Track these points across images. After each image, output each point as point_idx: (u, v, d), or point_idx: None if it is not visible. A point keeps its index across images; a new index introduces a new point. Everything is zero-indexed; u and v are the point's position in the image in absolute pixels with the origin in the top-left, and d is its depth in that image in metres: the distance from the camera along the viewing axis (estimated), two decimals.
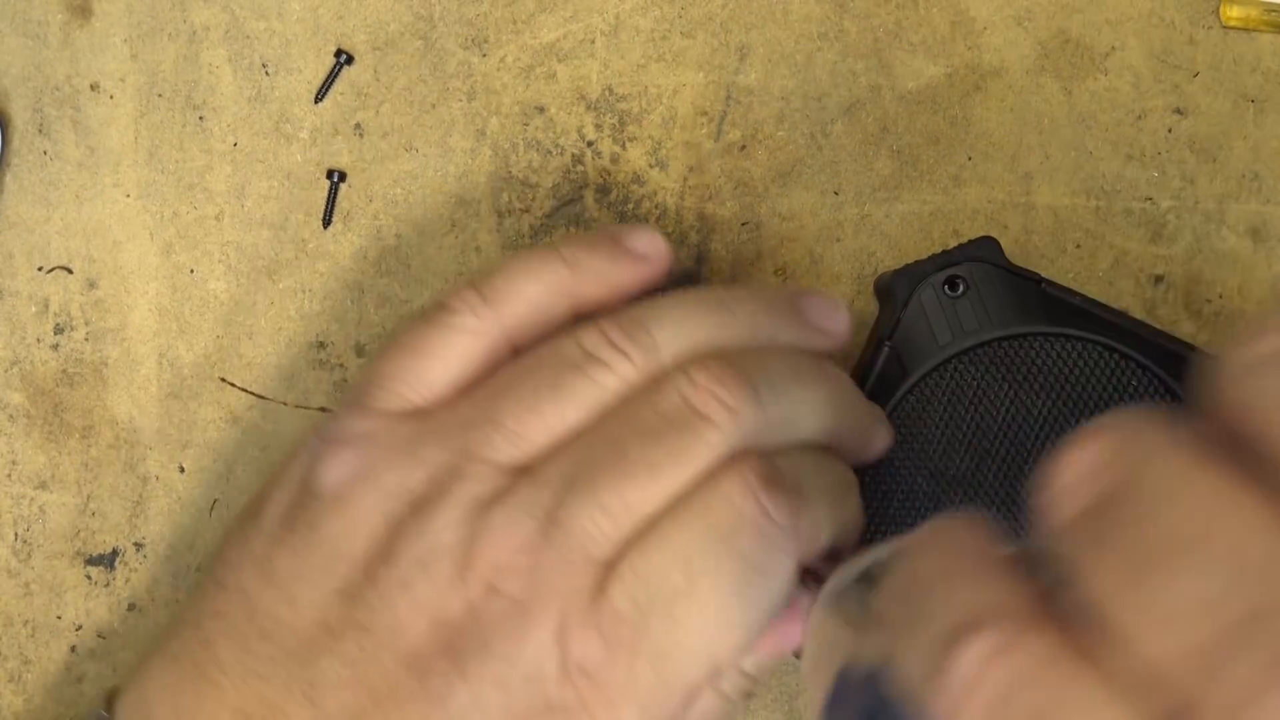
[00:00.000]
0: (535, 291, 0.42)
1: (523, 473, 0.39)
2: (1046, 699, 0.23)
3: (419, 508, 0.39)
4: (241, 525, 0.42)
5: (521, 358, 0.41)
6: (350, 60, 0.48)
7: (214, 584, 0.41)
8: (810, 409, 0.41)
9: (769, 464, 0.39)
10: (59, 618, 0.48)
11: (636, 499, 0.38)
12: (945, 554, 0.26)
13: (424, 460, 0.40)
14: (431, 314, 0.42)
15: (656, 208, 0.48)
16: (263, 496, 0.42)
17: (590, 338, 0.40)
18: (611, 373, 0.40)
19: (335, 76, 0.48)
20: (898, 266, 0.45)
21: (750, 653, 0.40)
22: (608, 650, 0.37)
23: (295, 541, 0.40)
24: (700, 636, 0.38)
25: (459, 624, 0.38)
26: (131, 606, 0.48)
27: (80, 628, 0.48)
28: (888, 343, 0.44)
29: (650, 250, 0.43)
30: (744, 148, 0.48)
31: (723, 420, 0.39)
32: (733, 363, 0.40)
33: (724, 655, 0.38)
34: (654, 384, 0.40)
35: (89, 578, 0.48)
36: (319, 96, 0.48)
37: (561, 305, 0.42)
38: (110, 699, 0.42)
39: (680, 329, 0.41)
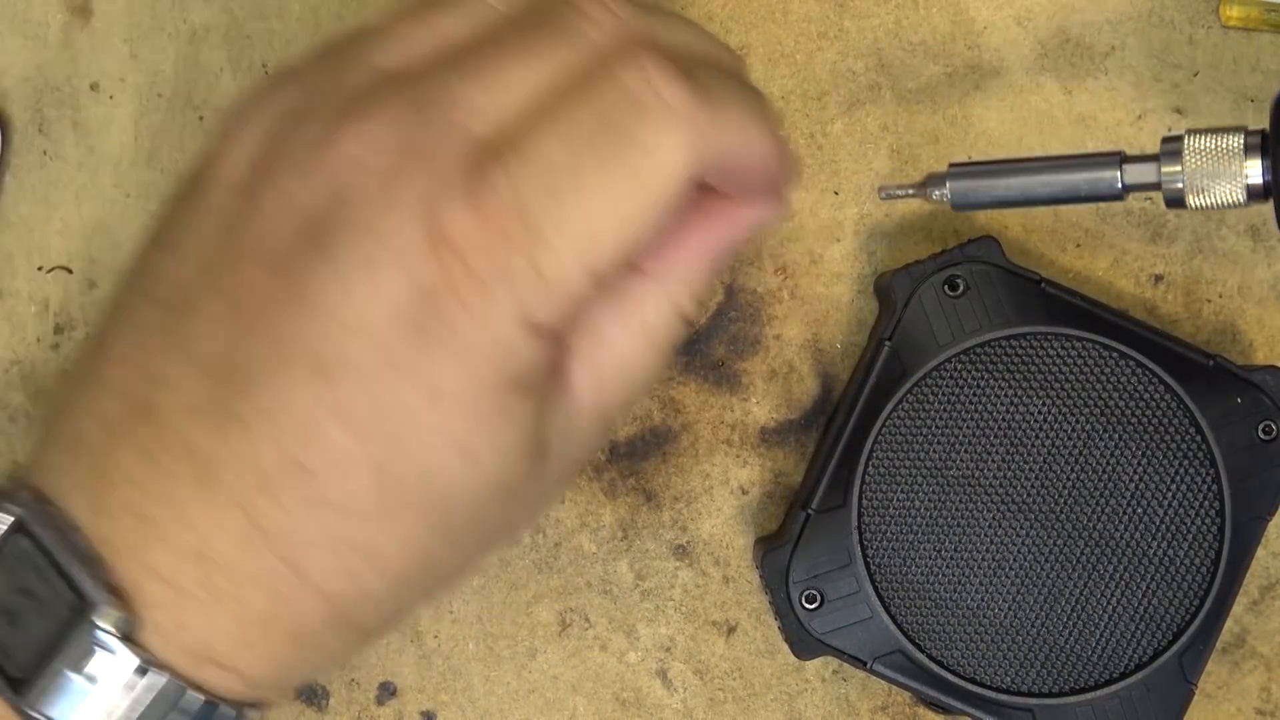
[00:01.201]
0: None
1: (398, 76, 0.36)
2: None
3: (297, 116, 0.36)
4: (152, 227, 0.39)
5: None
6: None
7: (117, 292, 0.38)
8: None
9: (668, 53, 0.35)
10: None
11: (518, 77, 0.35)
12: None
13: (306, 78, 0.37)
14: None
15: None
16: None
17: None
18: None
19: None
20: (898, 266, 0.45)
21: (674, 260, 0.38)
22: (479, 225, 0.34)
23: (189, 199, 0.37)
24: (583, 224, 0.34)
25: (323, 209, 0.35)
26: None
27: None
28: (888, 342, 0.44)
29: None
30: None
31: (604, 16, 0.36)
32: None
33: (611, 250, 0.35)
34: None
35: None
36: None
37: None
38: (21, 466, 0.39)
39: None
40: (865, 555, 0.44)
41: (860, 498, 0.44)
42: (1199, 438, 0.44)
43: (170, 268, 0.37)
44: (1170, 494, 0.44)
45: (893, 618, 0.44)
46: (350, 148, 0.35)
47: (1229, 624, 0.46)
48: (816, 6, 0.48)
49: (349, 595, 0.36)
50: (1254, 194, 0.38)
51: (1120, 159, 0.39)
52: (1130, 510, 0.44)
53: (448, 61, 0.36)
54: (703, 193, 0.38)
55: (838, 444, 0.45)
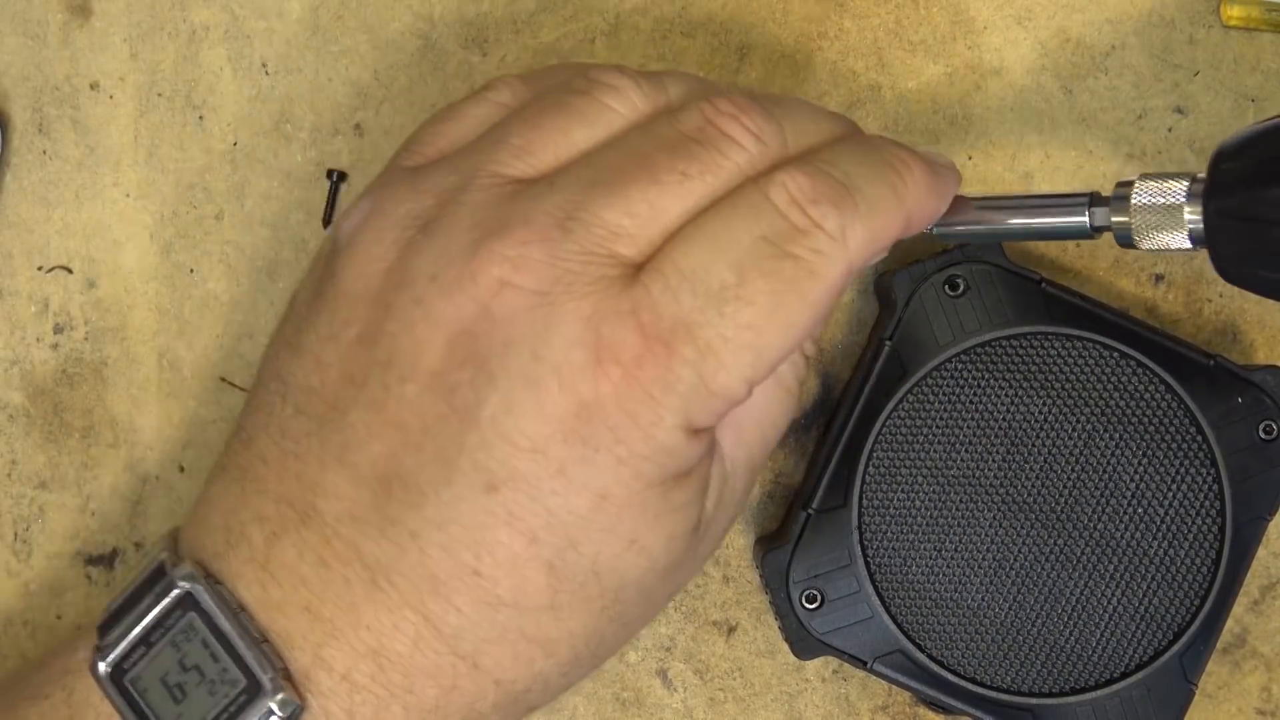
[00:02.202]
0: (565, 68, 0.41)
1: (526, 186, 0.37)
2: None
3: (428, 226, 0.37)
4: (279, 325, 0.41)
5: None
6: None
7: (255, 385, 0.40)
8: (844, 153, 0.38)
9: (812, 168, 0.37)
10: (59, 618, 0.48)
11: (665, 203, 0.36)
12: None
13: (432, 186, 0.38)
14: (469, 95, 0.41)
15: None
16: (309, 269, 0.41)
17: (599, 69, 0.39)
18: (620, 96, 0.39)
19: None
20: (898, 266, 0.45)
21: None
22: (644, 342, 0.35)
23: (319, 305, 0.38)
24: (751, 337, 0.35)
25: (476, 328, 0.35)
26: None
27: (80, 628, 0.48)
28: (888, 342, 0.44)
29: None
30: None
31: (747, 140, 0.37)
32: (755, 97, 0.38)
33: (773, 360, 0.36)
34: (669, 112, 0.38)
35: (89, 578, 0.48)
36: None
37: None
38: (173, 535, 0.40)
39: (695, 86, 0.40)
40: (865, 555, 0.44)
41: (860, 498, 0.44)
42: (1199, 438, 0.44)
43: (310, 374, 0.38)
44: (1170, 494, 0.44)
45: (893, 618, 0.44)
46: (498, 269, 0.35)
47: (1229, 624, 0.46)
48: (816, 6, 0.48)
49: (521, 680, 0.37)
50: (1197, 240, 0.38)
51: (1090, 201, 0.40)
52: (1130, 510, 0.44)
53: (586, 178, 0.37)
54: None
55: (838, 444, 0.45)
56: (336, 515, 0.36)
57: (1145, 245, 0.39)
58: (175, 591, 0.37)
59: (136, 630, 0.37)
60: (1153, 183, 0.38)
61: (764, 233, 0.36)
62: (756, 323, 0.35)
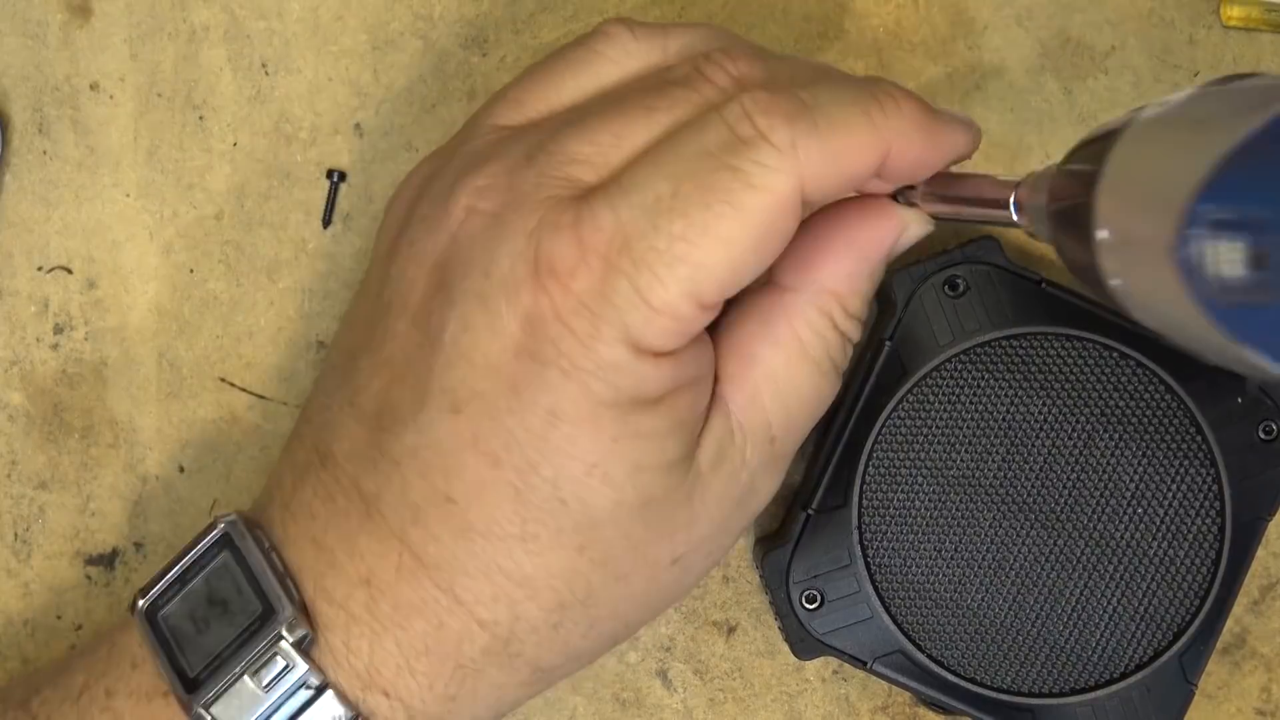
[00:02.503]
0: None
1: (524, 127, 0.39)
2: None
3: (430, 180, 0.40)
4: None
5: None
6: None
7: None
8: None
9: (776, 88, 0.36)
10: (59, 618, 0.48)
11: (628, 132, 0.37)
12: None
13: (443, 149, 0.41)
14: (580, 39, 0.41)
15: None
16: None
17: (610, 23, 0.41)
18: (612, 42, 0.40)
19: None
20: (898, 266, 0.45)
21: (831, 273, 0.39)
22: (581, 254, 0.35)
23: (365, 275, 0.42)
24: (684, 249, 0.35)
25: (446, 256, 0.37)
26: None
27: (80, 628, 0.48)
28: (888, 342, 0.44)
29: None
30: None
31: (724, 80, 0.37)
32: (758, 50, 0.39)
33: (718, 277, 0.35)
34: (664, 66, 0.39)
35: (89, 578, 0.48)
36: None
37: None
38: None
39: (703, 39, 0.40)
40: (865, 555, 0.44)
41: (860, 498, 0.44)
42: (1199, 438, 0.44)
43: (345, 336, 0.41)
44: (1170, 494, 0.44)
45: (893, 618, 0.44)
46: (466, 198, 0.37)
47: (1229, 624, 0.46)
48: (816, 6, 0.48)
49: (504, 620, 0.37)
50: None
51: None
52: (1130, 510, 0.44)
53: (564, 119, 0.38)
54: (851, 201, 0.39)
55: (838, 444, 0.45)
56: (345, 454, 0.38)
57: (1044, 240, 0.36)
58: (214, 532, 0.39)
59: (175, 569, 0.39)
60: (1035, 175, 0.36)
61: (706, 146, 0.36)
62: (688, 234, 0.35)
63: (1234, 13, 0.47)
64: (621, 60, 0.40)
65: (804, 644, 0.45)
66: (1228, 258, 0.26)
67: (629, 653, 0.48)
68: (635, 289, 0.35)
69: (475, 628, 0.37)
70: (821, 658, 0.46)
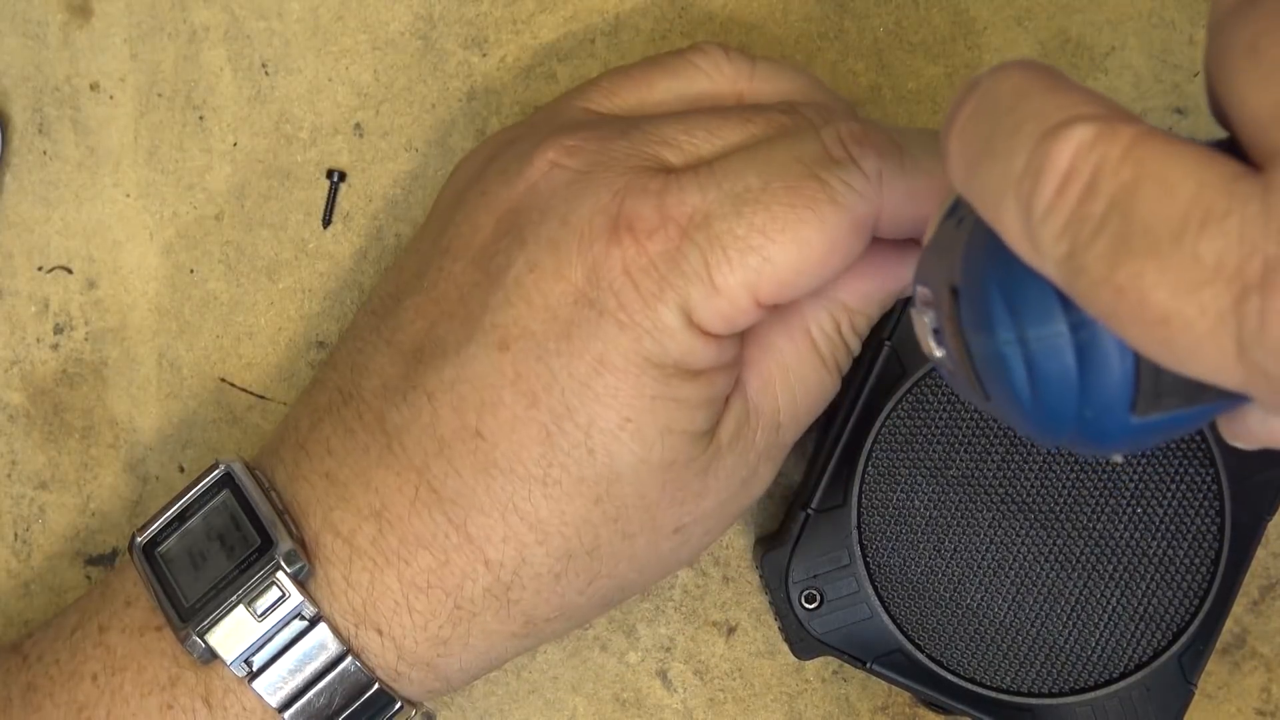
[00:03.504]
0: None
1: (604, 119, 0.41)
2: (1137, 175, 0.24)
3: (512, 140, 0.41)
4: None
5: None
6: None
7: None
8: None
9: (869, 125, 0.39)
10: None
11: (723, 131, 0.39)
12: (1021, 78, 0.27)
13: (526, 120, 0.42)
14: (680, 51, 0.43)
15: None
16: None
17: (705, 43, 0.43)
18: (706, 57, 0.42)
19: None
20: None
21: (851, 290, 0.40)
22: (661, 220, 0.37)
23: (421, 228, 0.42)
24: (760, 241, 0.37)
25: (521, 203, 0.38)
26: None
27: None
28: (888, 342, 0.44)
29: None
30: None
31: (820, 120, 0.39)
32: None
33: (780, 278, 0.37)
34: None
35: (89, 578, 0.48)
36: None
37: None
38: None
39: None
40: (865, 555, 0.44)
41: (860, 498, 0.44)
42: (1199, 437, 0.44)
43: (389, 283, 0.41)
44: (1170, 494, 0.44)
45: (893, 618, 0.44)
46: (554, 153, 0.39)
47: (1229, 624, 0.46)
48: (817, 7, 0.48)
49: (509, 563, 0.38)
50: None
51: None
52: (1130, 510, 0.44)
53: (658, 114, 0.41)
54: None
55: (838, 444, 0.45)
56: (373, 390, 0.39)
57: None
58: (214, 472, 0.40)
59: (174, 508, 0.40)
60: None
61: (800, 155, 0.37)
62: (768, 228, 0.36)
63: None
64: (713, 74, 0.42)
65: (803, 644, 0.45)
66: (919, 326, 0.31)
67: (629, 653, 0.48)
68: (705, 264, 0.36)
69: (480, 567, 0.38)
70: (821, 658, 0.46)
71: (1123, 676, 0.44)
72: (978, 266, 0.29)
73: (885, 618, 0.44)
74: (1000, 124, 0.27)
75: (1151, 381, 0.27)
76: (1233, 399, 0.28)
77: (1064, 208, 0.25)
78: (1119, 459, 0.31)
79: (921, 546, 0.44)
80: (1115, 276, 0.24)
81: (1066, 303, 0.27)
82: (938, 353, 0.31)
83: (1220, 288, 0.23)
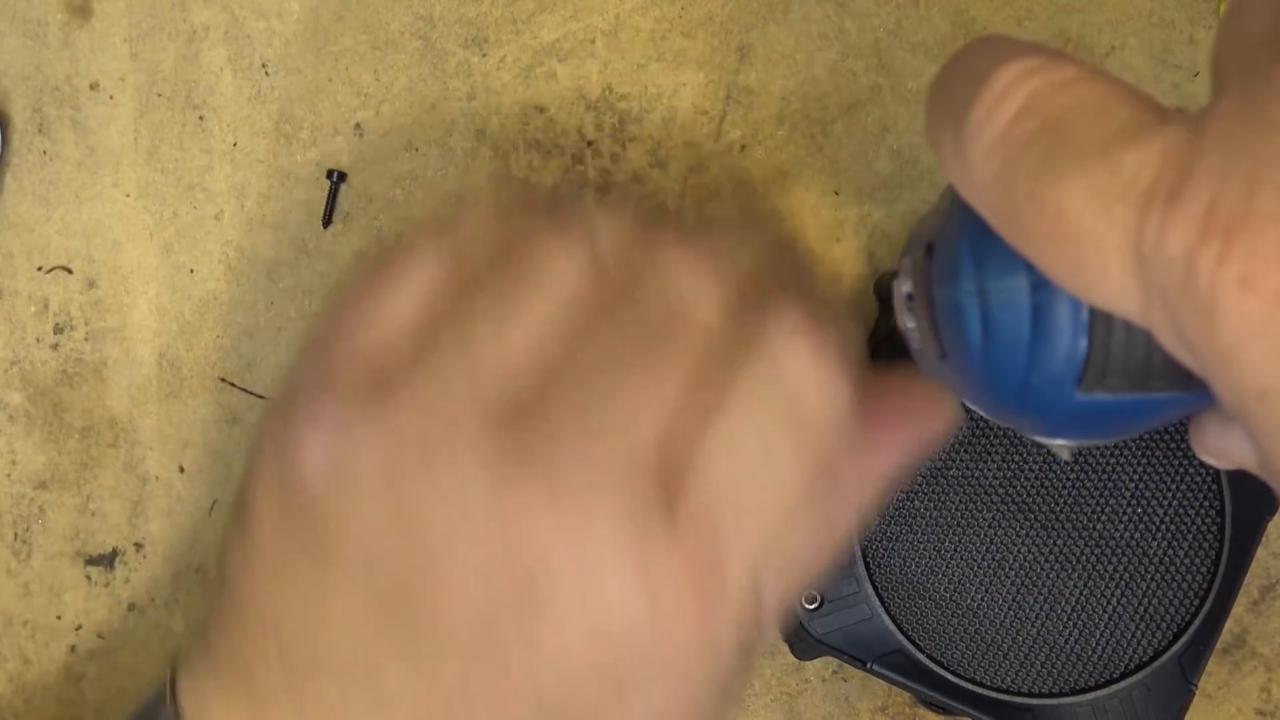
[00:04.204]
0: (481, 221, 0.36)
1: (520, 408, 0.33)
2: (1074, 101, 0.25)
3: (429, 470, 0.32)
4: (240, 535, 0.36)
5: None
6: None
7: (230, 608, 0.36)
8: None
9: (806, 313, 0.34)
10: (59, 618, 0.48)
11: (682, 413, 0.33)
12: (985, 40, 0.28)
13: (409, 424, 0.33)
14: (381, 266, 0.36)
15: (657, 208, 0.48)
16: (245, 502, 0.36)
17: (520, 231, 0.35)
18: (560, 263, 0.34)
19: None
20: (898, 267, 0.45)
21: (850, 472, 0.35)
22: (687, 562, 0.32)
23: (308, 555, 0.34)
24: (797, 569, 0.34)
25: (517, 578, 0.32)
26: (131, 606, 0.48)
27: (80, 628, 0.48)
28: (887, 343, 0.44)
29: None
30: (744, 148, 0.48)
31: (715, 316, 0.34)
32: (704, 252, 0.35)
33: (809, 575, 0.34)
34: (625, 288, 0.34)
35: (89, 578, 0.48)
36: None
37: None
38: (172, 679, 0.37)
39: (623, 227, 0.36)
40: (865, 556, 0.44)
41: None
42: None
43: (318, 635, 0.34)
44: (1170, 494, 0.44)
45: (893, 618, 0.44)
46: (543, 521, 0.32)
47: (1229, 624, 0.46)
48: (817, 7, 0.48)
49: None
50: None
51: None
52: (1130, 510, 0.44)
53: (580, 404, 0.33)
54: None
55: None
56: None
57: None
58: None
59: None
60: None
61: (785, 409, 0.33)
62: (805, 549, 0.34)
63: None
64: (575, 278, 0.35)
65: (804, 644, 0.45)
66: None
67: None
68: (743, 601, 0.33)
69: None
70: (821, 658, 0.46)
71: (1123, 677, 0.44)
72: (952, 223, 0.30)
73: (885, 618, 0.44)
74: (955, 74, 0.28)
75: (1101, 357, 0.27)
76: (1183, 396, 0.28)
77: (995, 125, 0.26)
78: (1066, 455, 0.31)
79: (921, 547, 0.44)
80: (1038, 190, 0.25)
81: (1031, 264, 0.27)
82: (909, 322, 0.31)
83: (1131, 204, 0.24)
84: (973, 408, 0.32)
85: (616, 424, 0.32)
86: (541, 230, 0.35)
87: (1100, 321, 0.27)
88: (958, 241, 0.29)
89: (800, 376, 0.33)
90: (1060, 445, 0.32)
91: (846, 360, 0.34)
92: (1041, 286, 0.28)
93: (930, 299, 0.30)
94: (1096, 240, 0.24)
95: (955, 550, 0.44)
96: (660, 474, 0.32)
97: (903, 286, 0.32)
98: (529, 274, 0.34)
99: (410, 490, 0.33)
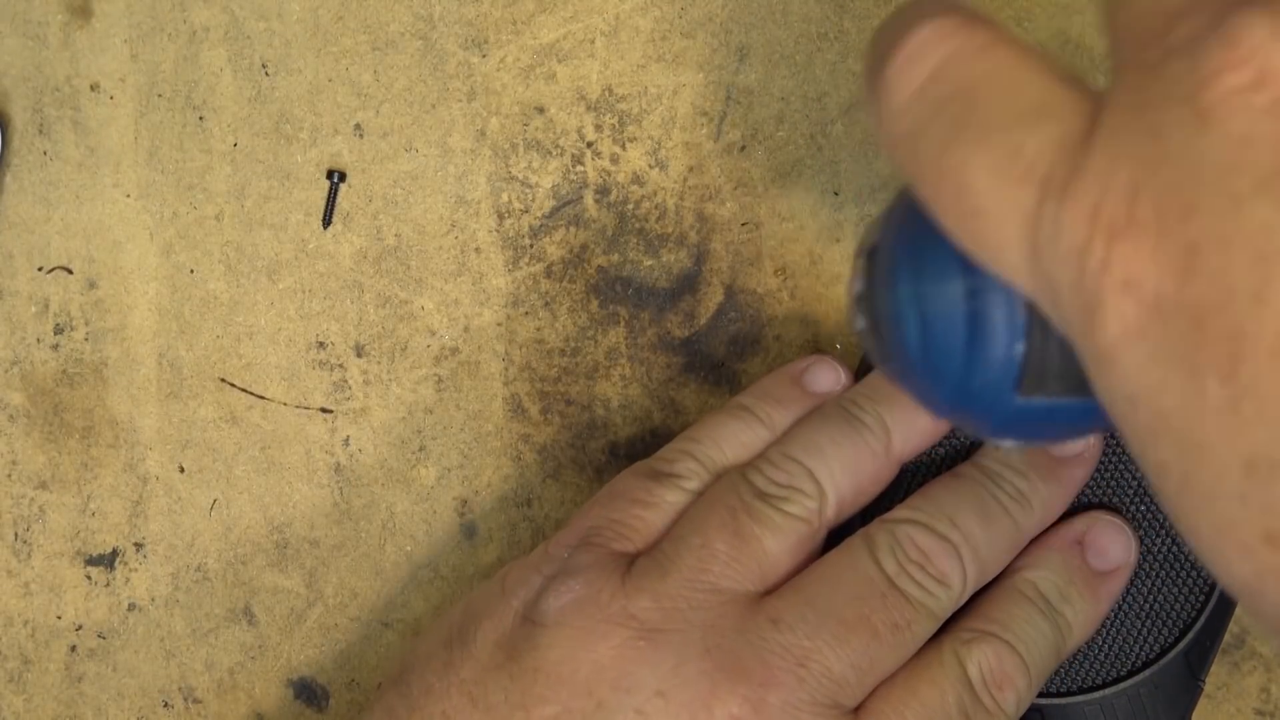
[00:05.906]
0: (738, 453, 0.43)
1: (755, 602, 0.39)
2: (985, 70, 0.25)
3: (654, 636, 0.38)
4: (446, 648, 0.41)
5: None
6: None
7: (410, 709, 0.40)
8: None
9: (1003, 647, 0.40)
10: (59, 618, 0.48)
11: (882, 656, 0.39)
12: (909, 4, 0.28)
13: (649, 588, 0.39)
14: (654, 469, 0.43)
15: (656, 208, 0.48)
16: (465, 623, 0.41)
17: (777, 463, 0.42)
18: (794, 503, 0.41)
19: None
20: None
21: None
22: None
23: (513, 669, 0.39)
24: None
25: None
26: (131, 606, 0.48)
27: (80, 628, 0.48)
28: None
29: (833, 385, 0.44)
30: (744, 148, 0.48)
31: (938, 590, 0.40)
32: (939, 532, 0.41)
33: None
34: (865, 543, 0.41)
35: (89, 578, 0.48)
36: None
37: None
38: None
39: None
40: None
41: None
42: None
43: None
44: None
45: None
46: (737, 708, 0.38)
47: (1229, 624, 0.46)
48: (817, 7, 0.48)
49: None
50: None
51: None
52: (1135, 506, 0.44)
53: (810, 620, 0.39)
54: None
55: None
56: None
57: None
58: None
59: None
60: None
61: (962, 706, 0.39)
62: None
63: None
64: (810, 518, 0.41)
65: None
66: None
67: None
68: None
69: None
70: None
71: (1130, 674, 0.44)
72: (892, 226, 0.30)
73: None
74: (884, 27, 0.28)
75: (1038, 361, 0.28)
76: None
77: (908, 83, 0.26)
78: (1010, 444, 0.32)
79: None
80: (943, 159, 0.25)
81: (967, 268, 0.28)
82: (860, 323, 0.32)
83: (1030, 188, 0.24)
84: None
85: (829, 666, 0.39)
86: (796, 478, 0.42)
87: (1037, 326, 0.27)
88: (896, 244, 0.29)
89: (988, 695, 0.40)
90: (1010, 446, 0.32)
91: None
92: (977, 292, 0.28)
93: (873, 301, 0.31)
94: (996, 220, 0.25)
95: None
96: (848, 710, 0.39)
97: (854, 287, 0.32)
98: (761, 505, 0.41)
99: (629, 641, 0.38)
